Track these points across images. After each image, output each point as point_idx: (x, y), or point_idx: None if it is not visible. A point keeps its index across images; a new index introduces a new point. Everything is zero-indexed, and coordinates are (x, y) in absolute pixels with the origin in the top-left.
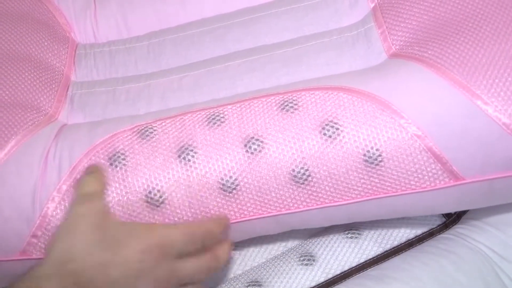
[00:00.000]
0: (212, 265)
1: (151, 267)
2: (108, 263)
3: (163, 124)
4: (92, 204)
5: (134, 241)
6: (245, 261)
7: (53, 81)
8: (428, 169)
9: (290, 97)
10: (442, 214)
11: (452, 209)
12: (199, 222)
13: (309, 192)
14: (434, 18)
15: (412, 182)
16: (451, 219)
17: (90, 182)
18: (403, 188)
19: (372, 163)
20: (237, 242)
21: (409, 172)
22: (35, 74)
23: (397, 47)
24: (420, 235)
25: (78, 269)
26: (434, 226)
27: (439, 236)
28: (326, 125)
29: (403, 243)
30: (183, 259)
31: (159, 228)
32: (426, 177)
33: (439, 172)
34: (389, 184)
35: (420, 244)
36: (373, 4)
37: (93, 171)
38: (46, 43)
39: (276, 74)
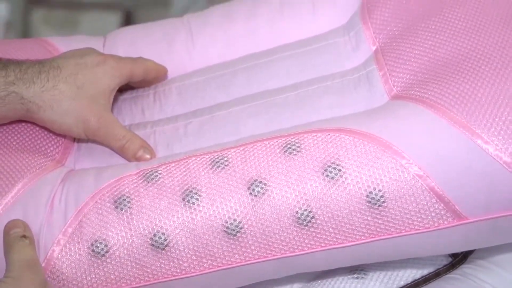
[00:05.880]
0: None
1: None
2: None
3: (168, 167)
4: None
5: None
6: None
7: None
8: (431, 209)
9: (293, 140)
10: (449, 254)
11: (457, 249)
12: None
13: (313, 234)
14: (434, 59)
15: (415, 223)
16: (458, 259)
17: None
18: (406, 229)
19: (375, 204)
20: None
21: (412, 213)
22: None
23: (398, 88)
24: (426, 275)
25: None
26: (441, 266)
27: (445, 276)
28: (329, 166)
29: (409, 284)
30: None
31: None
32: (430, 217)
33: (442, 212)
34: (393, 225)
35: (426, 284)
36: (374, 47)
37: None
38: None
39: (279, 118)
